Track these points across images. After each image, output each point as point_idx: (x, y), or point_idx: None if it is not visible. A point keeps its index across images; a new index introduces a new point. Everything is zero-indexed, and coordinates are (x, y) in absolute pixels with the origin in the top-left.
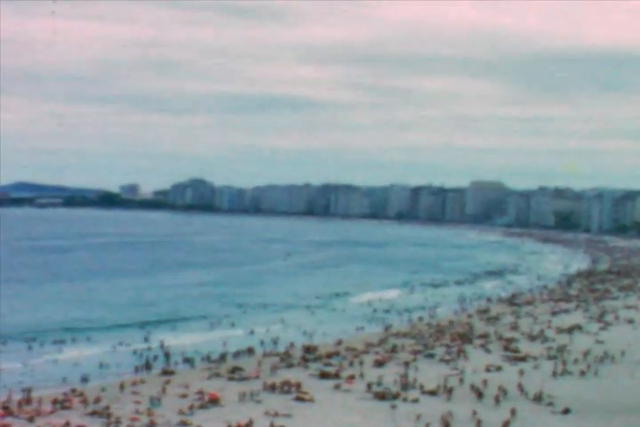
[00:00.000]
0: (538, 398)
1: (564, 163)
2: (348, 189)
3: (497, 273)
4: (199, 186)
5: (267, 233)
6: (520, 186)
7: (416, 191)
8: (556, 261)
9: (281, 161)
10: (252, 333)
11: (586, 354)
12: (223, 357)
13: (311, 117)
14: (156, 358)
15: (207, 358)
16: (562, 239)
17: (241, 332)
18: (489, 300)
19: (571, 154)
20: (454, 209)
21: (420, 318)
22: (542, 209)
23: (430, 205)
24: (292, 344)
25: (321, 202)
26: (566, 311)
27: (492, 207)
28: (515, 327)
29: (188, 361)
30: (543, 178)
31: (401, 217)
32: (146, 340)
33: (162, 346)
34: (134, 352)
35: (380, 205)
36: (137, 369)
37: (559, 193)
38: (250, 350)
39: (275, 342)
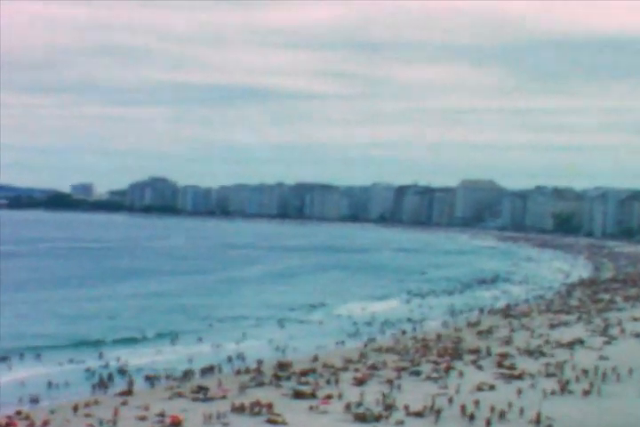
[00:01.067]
0: (535, 421)
1: (564, 160)
2: (325, 188)
3: (490, 282)
4: (160, 185)
5: (235, 237)
6: (515, 185)
7: (400, 191)
8: (555, 268)
9: (250, 158)
10: (219, 348)
11: (588, 372)
12: (187, 375)
13: (284, 110)
14: (111, 376)
15: (169, 377)
16: (561, 244)
17: (207, 347)
18: (481, 311)
19: (571, 150)
20: (442, 211)
21: (404, 332)
22: (540, 211)
23: (416, 207)
24: (262, 361)
25: (295, 203)
26: (566, 324)
27: (484, 209)
28: (509, 342)
29: (148, 380)
30: (541, 176)
31: (383, 220)
32: (101, 357)
33: (118, 363)
34: (88, 370)
35: (360, 207)
36: (91, 389)
37: (558, 193)
38: (217, 368)
39: (244, 358)
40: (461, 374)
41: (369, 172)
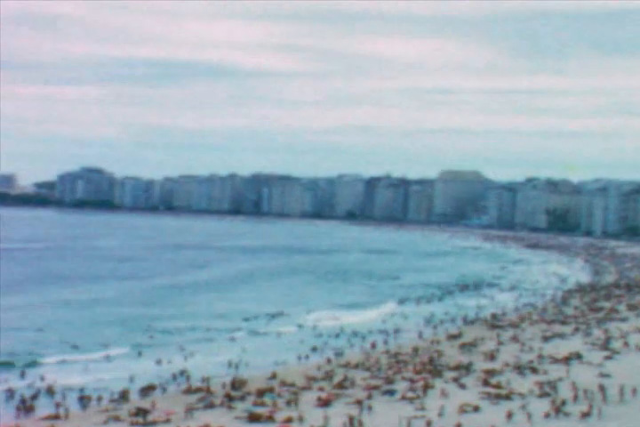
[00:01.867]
0: None
1: (559, 148)
2: (285, 180)
3: (473, 288)
4: (94, 177)
5: (181, 237)
6: (503, 177)
7: (371, 184)
8: (549, 272)
9: (199, 145)
10: (162, 364)
11: (587, 391)
12: (124, 395)
13: (239, 90)
14: (36, 397)
15: (104, 398)
16: (556, 244)
17: (148, 363)
18: (463, 321)
19: (568, 136)
20: (420, 206)
21: (374, 345)
22: (531, 206)
23: (389, 202)
24: (212, 379)
25: (250, 197)
26: (562, 336)
27: (467, 204)
28: (496, 356)
29: (80, 401)
30: (532, 167)
31: (352, 216)
32: (24, 375)
33: (45, 382)
34: (8, 391)
35: (325, 202)
36: (14, 412)
37: (553, 186)
38: (159, 387)
39: (191, 375)
40: (441, 393)
41: (336, 161)
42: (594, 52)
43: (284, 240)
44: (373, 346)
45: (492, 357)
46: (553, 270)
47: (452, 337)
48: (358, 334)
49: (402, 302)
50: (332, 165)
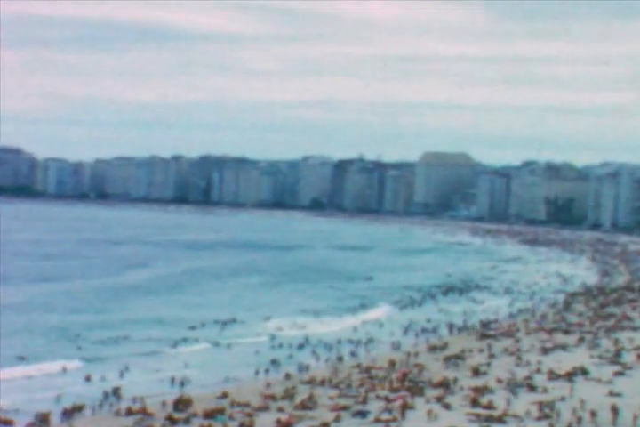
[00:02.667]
0: None
1: (562, 125)
2: (240, 163)
3: (461, 290)
4: (11, 158)
5: (116, 230)
6: (496, 160)
7: (341, 168)
8: (549, 272)
9: (138, 122)
10: (91, 381)
11: (594, 413)
12: (44, 418)
13: (184, 57)
14: None
15: (17, 423)
16: (558, 240)
17: (76, 380)
18: (449, 330)
19: (572, 112)
20: (398, 195)
21: (341, 358)
22: (529, 195)
23: (362, 189)
24: (152, 398)
25: (198, 184)
26: (564, 348)
27: (453, 192)
28: (487, 371)
29: None
30: (530, 149)
31: (319, 206)
32: None
33: None
34: None
35: (287, 189)
36: None
37: (554, 171)
38: (88, 408)
39: (126, 394)
40: (423, 415)
41: (299, 141)
42: (601, 15)
43: (239, 234)
44: (341, 359)
45: (481, 372)
46: (554, 270)
47: (435, 349)
48: (325, 345)
49: (376, 306)
50: (294, 146)
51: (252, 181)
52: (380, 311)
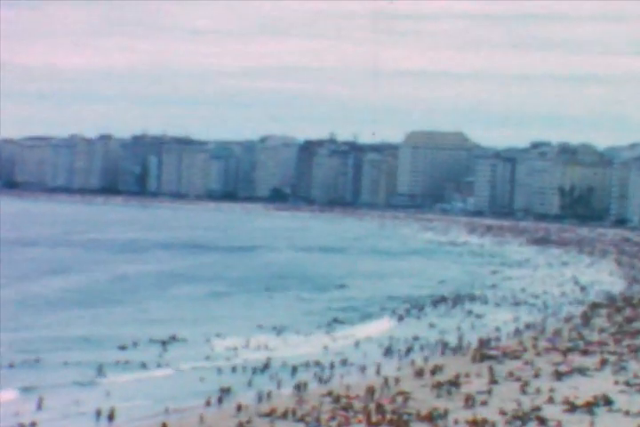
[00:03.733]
0: None
1: (580, 97)
2: (184, 145)
3: (455, 301)
4: None
5: (28, 227)
6: (498, 141)
7: (308, 150)
8: (563, 278)
9: (54, 93)
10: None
11: None
12: None
13: (111, 12)
14: None
15: None
16: (574, 239)
17: None
18: (441, 350)
19: (592, 80)
20: (378, 183)
21: (308, 385)
22: (539, 184)
23: (333, 177)
24: None
25: (131, 170)
26: (582, 371)
27: (446, 180)
28: (487, 401)
29: None
30: (540, 127)
31: (281, 198)
32: None
33: None
34: None
35: (242, 177)
36: None
37: (569, 154)
38: None
39: None
40: None
41: (257, 118)
42: None
43: (181, 232)
44: (308, 386)
45: (480, 402)
46: (569, 277)
47: (424, 373)
48: (289, 369)
49: (351, 322)
50: (250, 124)
51: (198, 167)
52: (356, 328)
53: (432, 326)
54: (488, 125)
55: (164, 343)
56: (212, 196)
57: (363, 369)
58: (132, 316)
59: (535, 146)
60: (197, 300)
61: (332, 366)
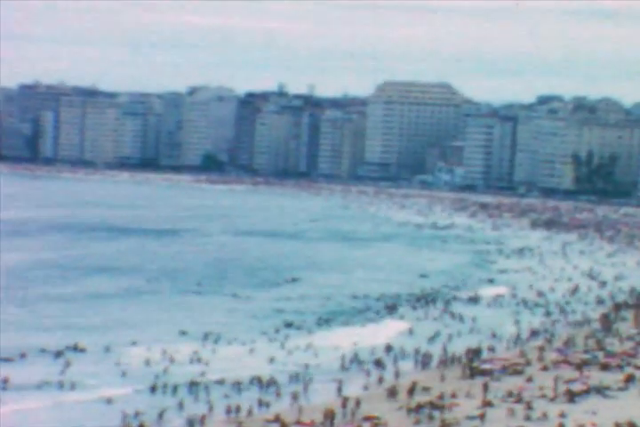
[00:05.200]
0: None
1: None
2: (88, 97)
3: (437, 299)
4: None
5: None
6: (493, 95)
7: (250, 106)
8: (577, 271)
9: None
10: None
11: None
12: None
13: None
14: None
15: None
16: (591, 221)
17: None
18: (423, 362)
19: (608, 18)
20: (340, 149)
21: (250, 409)
22: (547, 150)
23: (283, 140)
24: None
25: (19, 129)
26: (602, 391)
27: (427, 145)
28: None
29: None
30: (549, 77)
31: (215, 167)
32: None
33: None
34: None
35: (165, 140)
36: None
37: (587, 112)
38: None
39: None
40: None
41: (184, 64)
42: None
43: (87, 211)
44: (250, 411)
45: None
46: (585, 269)
47: (397, 392)
48: (224, 389)
49: (304, 326)
50: (176, 72)
51: (108, 127)
52: (313, 335)
53: (410, 332)
54: (481, 74)
55: (59, 355)
56: (125, 164)
57: (320, 388)
58: (17, 319)
59: (543, 101)
60: (104, 298)
61: (279, 383)
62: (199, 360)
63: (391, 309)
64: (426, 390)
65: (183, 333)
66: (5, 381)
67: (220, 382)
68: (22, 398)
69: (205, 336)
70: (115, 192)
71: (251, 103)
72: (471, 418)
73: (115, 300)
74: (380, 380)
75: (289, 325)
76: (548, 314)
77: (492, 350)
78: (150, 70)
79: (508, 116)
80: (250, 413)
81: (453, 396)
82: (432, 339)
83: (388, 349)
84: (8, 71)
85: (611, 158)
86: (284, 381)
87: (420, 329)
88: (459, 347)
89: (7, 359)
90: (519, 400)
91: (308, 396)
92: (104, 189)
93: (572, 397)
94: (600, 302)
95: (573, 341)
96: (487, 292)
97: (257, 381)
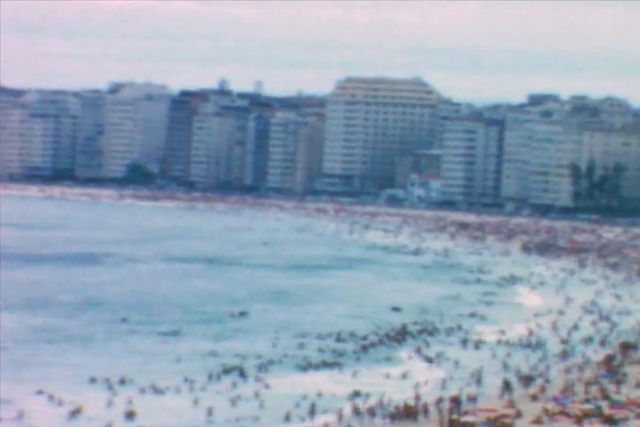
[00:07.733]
0: None
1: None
2: None
3: (410, 338)
4: None
5: None
6: (479, 95)
7: (186, 106)
8: (578, 304)
9: None
10: None
11: None
12: None
13: None
14: None
15: None
16: (593, 245)
17: None
18: (392, 415)
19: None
20: (293, 157)
21: None
22: (540, 159)
23: (225, 147)
24: None
25: None
26: None
27: (399, 153)
28: None
29: None
30: (543, 73)
31: (143, 180)
32: None
33: None
34: None
35: (82, 147)
36: None
37: (588, 114)
38: None
39: None
40: None
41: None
42: None
43: None
44: None
45: None
46: (586, 301)
47: None
48: None
49: (250, 372)
50: (95, 66)
51: (13, 131)
52: (260, 381)
53: (376, 376)
54: (461, 70)
55: None
56: (34, 176)
57: None
58: None
59: (535, 101)
60: (12, 337)
61: None
62: (115, 413)
63: (358, 349)
64: None
65: (97, 379)
66: None
67: None
68: None
69: (126, 383)
70: (21, 210)
71: (186, 103)
72: None
73: (14, 338)
74: None
75: (226, 371)
76: (542, 356)
77: (474, 399)
78: (63, 63)
79: (494, 118)
80: None
81: None
82: (403, 386)
83: (355, 395)
84: None
85: (616, 170)
86: None
87: (388, 371)
88: (434, 395)
89: None
90: None
91: None
92: (9, 205)
93: None
94: (604, 341)
95: (572, 388)
96: (470, 327)
97: None
